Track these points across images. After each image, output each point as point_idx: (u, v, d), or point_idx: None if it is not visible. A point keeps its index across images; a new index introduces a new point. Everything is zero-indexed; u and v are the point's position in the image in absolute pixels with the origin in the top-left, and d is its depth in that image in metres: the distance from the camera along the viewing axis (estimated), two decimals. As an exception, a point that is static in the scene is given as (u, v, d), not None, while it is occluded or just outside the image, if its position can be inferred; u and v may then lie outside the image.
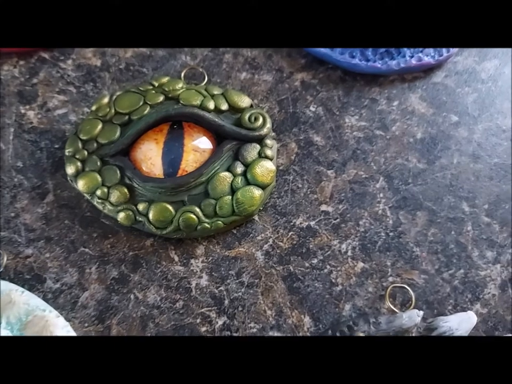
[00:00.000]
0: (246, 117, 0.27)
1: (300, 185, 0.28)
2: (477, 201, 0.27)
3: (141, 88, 0.27)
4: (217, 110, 0.27)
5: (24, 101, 0.29)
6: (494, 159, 0.28)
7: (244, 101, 0.27)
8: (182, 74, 0.29)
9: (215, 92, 0.28)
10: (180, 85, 0.28)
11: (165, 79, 0.28)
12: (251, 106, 0.28)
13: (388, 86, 0.30)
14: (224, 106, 0.27)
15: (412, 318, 0.23)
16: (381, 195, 0.27)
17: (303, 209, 0.27)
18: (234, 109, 0.27)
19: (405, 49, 0.29)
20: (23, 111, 0.29)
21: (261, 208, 0.27)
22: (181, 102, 0.27)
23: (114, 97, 0.27)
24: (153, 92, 0.27)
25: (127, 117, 0.26)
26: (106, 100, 0.27)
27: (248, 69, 0.30)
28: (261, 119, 0.27)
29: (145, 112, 0.26)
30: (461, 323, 0.24)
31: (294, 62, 0.30)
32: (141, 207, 0.25)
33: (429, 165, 0.28)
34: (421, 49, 0.29)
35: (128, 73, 0.30)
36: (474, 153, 0.28)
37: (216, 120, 0.26)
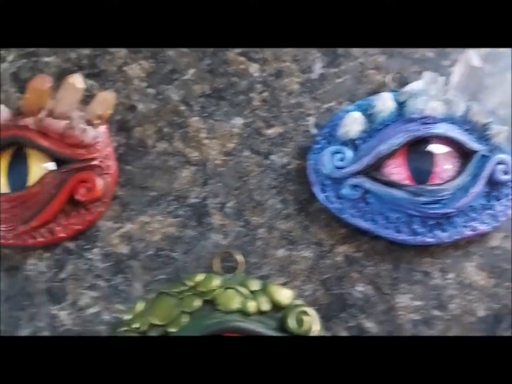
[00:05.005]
0: (291, 321, 0.25)
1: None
2: None
3: (175, 290, 0.26)
4: (258, 312, 0.25)
5: (54, 299, 0.28)
6: None
7: (285, 296, 0.25)
8: (218, 264, 0.27)
9: (254, 288, 0.26)
10: (216, 283, 0.26)
11: (200, 278, 0.26)
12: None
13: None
14: (266, 306, 0.25)
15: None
16: None
17: None
18: (276, 307, 0.25)
19: (456, 219, 0.26)
20: (54, 312, 0.27)
21: None
22: (219, 307, 0.25)
23: (147, 304, 0.25)
24: (189, 293, 0.25)
25: (162, 329, 0.25)
26: (140, 308, 0.25)
27: (285, 244, 0.28)
28: (308, 321, 0.25)
29: (185, 323, 0.25)
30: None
31: (333, 232, 0.28)
32: None
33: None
34: (473, 216, 0.26)
35: (158, 259, 0.28)
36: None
37: (259, 330, 0.24)
